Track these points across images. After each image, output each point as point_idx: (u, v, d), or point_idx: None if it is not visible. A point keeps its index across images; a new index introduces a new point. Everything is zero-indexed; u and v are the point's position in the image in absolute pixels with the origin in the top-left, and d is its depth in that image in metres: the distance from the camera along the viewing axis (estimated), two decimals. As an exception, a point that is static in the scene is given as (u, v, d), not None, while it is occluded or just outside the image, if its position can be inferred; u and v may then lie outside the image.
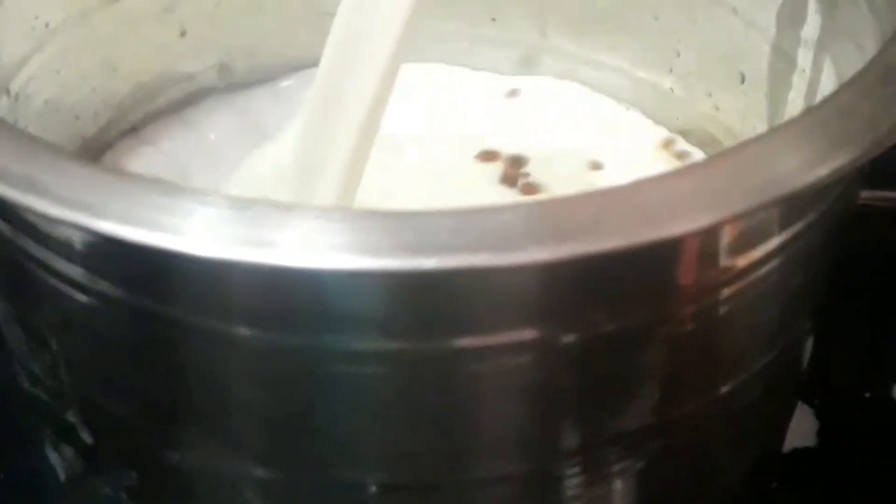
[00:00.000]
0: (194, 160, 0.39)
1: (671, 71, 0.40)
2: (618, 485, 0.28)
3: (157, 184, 0.22)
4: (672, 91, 0.40)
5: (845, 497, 0.36)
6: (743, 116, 0.38)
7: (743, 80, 0.38)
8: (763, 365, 0.28)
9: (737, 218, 0.22)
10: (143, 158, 0.39)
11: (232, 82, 0.42)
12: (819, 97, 0.33)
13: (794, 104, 0.35)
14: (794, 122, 0.24)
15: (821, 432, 0.37)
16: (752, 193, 0.22)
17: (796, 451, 0.37)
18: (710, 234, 0.23)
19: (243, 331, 0.24)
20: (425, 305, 0.23)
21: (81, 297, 0.25)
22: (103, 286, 0.24)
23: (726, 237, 0.24)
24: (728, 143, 0.39)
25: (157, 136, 0.40)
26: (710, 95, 0.39)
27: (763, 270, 0.25)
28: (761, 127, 0.37)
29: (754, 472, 0.33)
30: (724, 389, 0.28)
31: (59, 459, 0.31)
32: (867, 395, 0.39)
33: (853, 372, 0.40)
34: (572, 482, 0.27)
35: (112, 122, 0.39)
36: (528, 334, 0.24)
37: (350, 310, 0.23)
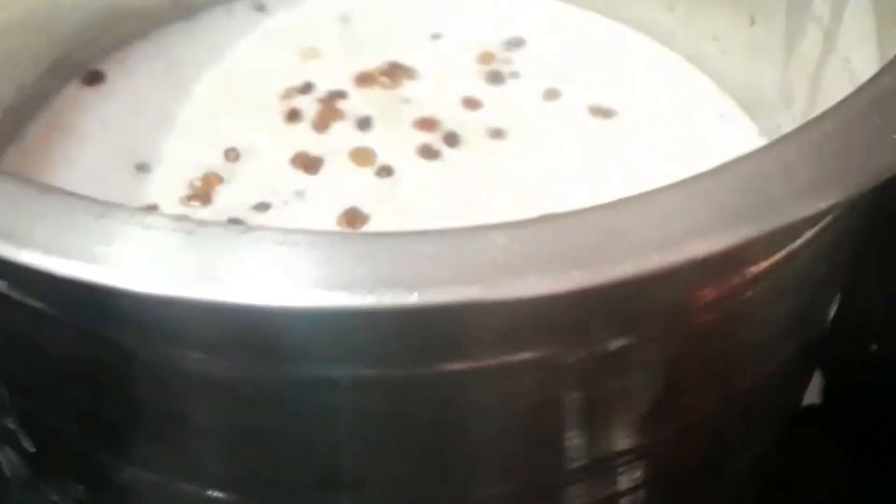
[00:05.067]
0: (151, 98, 0.36)
1: (672, 11, 0.37)
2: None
3: (90, 203, 0.18)
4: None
5: (851, 454, 0.36)
6: (751, 60, 0.35)
7: (753, 23, 0.34)
8: (769, 376, 0.26)
9: (756, 239, 0.19)
10: (93, 105, 0.36)
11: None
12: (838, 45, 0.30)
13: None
14: (807, 130, 0.20)
15: (826, 389, 0.37)
16: (768, 211, 0.19)
17: (802, 409, 0.35)
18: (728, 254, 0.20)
19: (195, 355, 0.21)
20: (402, 338, 0.20)
21: (16, 312, 0.22)
22: (39, 306, 0.21)
23: (741, 253, 0.21)
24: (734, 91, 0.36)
25: (107, 77, 0.36)
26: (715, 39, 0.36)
27: (771, 282, 0.23)
28: (771, 74, 0.34)
29: (754, 467, 0.31)
30: (722, 404, 0.26)
31: (3, 459, 0.28)
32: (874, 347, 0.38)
33: (860, 328, 0.38)
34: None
35: (55, 65, 0.36)
36: (522, 357, 0.21)
37: (317, 345, 0.20)
